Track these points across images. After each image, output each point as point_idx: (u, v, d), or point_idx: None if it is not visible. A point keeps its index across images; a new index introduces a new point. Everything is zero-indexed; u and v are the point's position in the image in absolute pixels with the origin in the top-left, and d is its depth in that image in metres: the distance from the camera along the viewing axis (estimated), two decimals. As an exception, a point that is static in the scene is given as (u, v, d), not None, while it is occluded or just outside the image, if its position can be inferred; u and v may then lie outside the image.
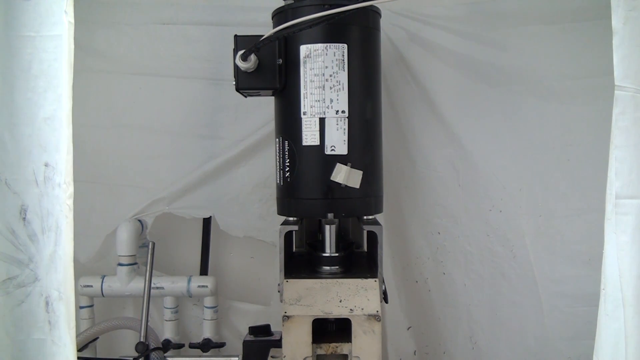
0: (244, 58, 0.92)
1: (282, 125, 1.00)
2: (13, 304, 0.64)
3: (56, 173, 0.64)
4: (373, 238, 1.00)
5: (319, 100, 0.93)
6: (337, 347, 0.91)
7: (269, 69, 0.95)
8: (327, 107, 0.93)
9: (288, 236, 1.00)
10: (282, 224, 0.98)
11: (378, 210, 1.01)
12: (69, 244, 0.65)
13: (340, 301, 0.90)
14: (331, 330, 0.94)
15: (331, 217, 0.95)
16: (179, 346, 1.38)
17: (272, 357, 1.08)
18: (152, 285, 1.28)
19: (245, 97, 1.04)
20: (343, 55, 0.93)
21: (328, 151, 0.93)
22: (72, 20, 0.65)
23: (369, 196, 0.97)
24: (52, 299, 0.65)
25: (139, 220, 1.38)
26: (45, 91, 0.63)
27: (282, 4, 0.98)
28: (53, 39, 0.63)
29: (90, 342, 1.29)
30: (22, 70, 0.63)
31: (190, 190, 1.37)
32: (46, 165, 0.64)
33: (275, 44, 0.94)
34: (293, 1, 0.96)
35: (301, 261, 1.07)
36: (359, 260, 1.08)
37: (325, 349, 0.91)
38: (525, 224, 1.32)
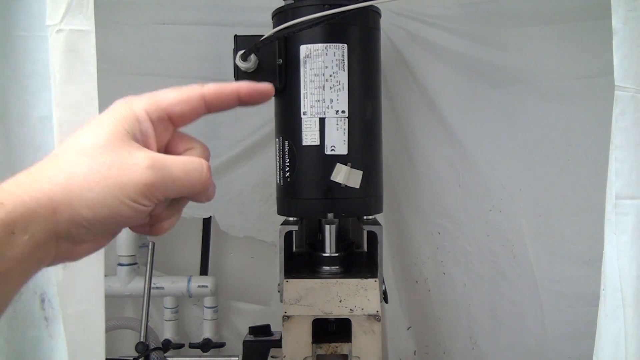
0: (244, 58, 0.92)
1: (282, 125, 0.99)
2: (15, 301, 0.65)
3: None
4: (373, 238, 1.00)
5: (319, 100, 0.93)
6: (337, 347, 0.91)
7: (269, 69, 0.95)
8: (327, 107, 0.93)
9: (288, 236, 1.00)
10: (282, 224, 0.98)
11: (378, 210, 1.01)
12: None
13: (340, 301, 0.90)
14: (331, 330, 0.94)
15: (331, 217, 0.94)
16: (179, 346, 1.38)
17: (272, 357, 1.08)
18: (152, 285, 1.28)
19: (246, 97, 1.04)
20: (343, 55, 0.93)
21: (328, 151, 0.93)
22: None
23: (369, 196, 0.97)
24: (49, 295, 0.65)
25: (139, 220, 1.37)
26: (40, 91, 0.63)
27: (282, 4, 0.98)
28: (46, 39, 0.63)
29: (90, 342, 1.29)
30: (14, 70, 0.63)
31: (190, 190, 1.37)
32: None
33: (275, 44, 0.94)
34: (293, 1, 0.96)
35: (301, 261, 1.07)
36: (359, 260, 1.08)
37: (325, 349, 0.91)
38: (525, 224, 1.31)
